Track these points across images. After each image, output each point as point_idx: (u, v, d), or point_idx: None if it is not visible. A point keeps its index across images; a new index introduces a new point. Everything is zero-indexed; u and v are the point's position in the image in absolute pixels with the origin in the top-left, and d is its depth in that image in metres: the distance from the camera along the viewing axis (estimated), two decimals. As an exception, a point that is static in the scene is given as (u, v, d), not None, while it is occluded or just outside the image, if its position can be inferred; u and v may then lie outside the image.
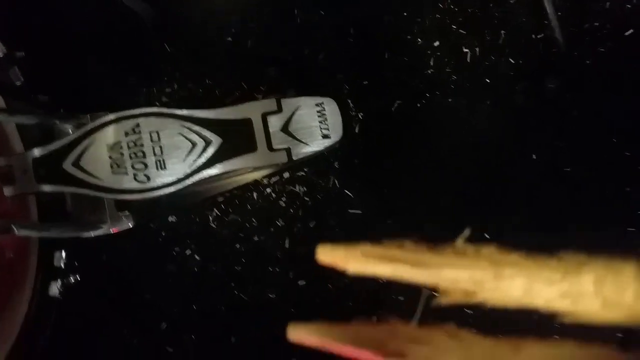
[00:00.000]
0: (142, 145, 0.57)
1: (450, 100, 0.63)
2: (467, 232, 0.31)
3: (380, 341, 0.29)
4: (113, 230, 0.60)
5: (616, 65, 0.61)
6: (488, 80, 0.63)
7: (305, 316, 0.63)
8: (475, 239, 0.28)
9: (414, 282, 0.28)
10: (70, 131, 0.59)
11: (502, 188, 0.62)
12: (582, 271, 0.27)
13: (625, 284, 0.26)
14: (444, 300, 0.29)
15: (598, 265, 0.27)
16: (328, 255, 0.31)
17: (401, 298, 0.61)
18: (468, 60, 0.63)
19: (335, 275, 0.64)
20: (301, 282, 0.63)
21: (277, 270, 0.63)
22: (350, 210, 0.64)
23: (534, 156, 0.61)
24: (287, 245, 0.63)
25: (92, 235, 0.59)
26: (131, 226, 0.61)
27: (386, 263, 0.29)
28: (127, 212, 0.60)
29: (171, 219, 0.65)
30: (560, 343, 0.26)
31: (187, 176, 0.57)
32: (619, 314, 0.27)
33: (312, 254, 0.65)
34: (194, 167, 0.57)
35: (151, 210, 0.64)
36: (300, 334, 0.29)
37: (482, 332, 0.27)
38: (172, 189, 0.57)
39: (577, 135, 0.62)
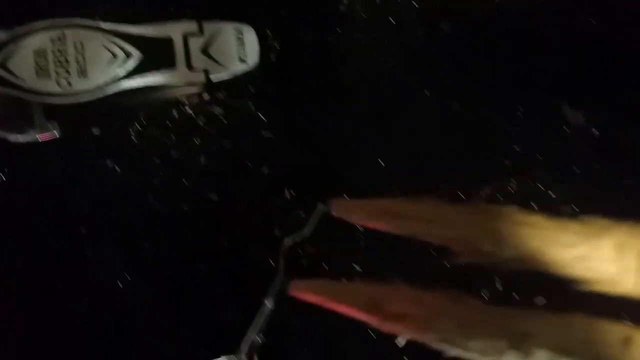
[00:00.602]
0: (66, 53, 0.61)
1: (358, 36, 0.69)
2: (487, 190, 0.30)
3: (379, 302, 0.30)
4: (40, 137, 0.64)
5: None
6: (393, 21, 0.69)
7: (216, 228, 0.69)
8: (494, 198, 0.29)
9: (434, 240, 0.29)
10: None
11: (394, 119, 0.69)
12: (603, 236, 0.26)
13: None
14: (458, 260, 0.29)
15: (620, 231, 0.26)
16: (342, 208, 0.31)
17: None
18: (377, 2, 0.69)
19: (244, 189, 0.70)
20: (214, 197, 0.68)
21: (192, 184, 0.68)
22: (262, 133, 0.69)
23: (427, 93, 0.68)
24: (202, 162, 0.68)
25: (20, 140, 0.63)
26: (57, 136, 0.65)
27: (401, 220, 0.30)
28: (54, 122, 0.64)
29: (95, 132, 0.69)
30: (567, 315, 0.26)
31: (107, 85, 0.61)
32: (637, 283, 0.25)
33: (226, 170, 0.71)
34: (114, 77, 0.61)
35: (77, 122, 0.68)
36: (300, 290, 0.30)
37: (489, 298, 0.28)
38: (92, 97, 0.61)
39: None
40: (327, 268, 0.71)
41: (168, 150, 0.69)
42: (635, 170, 0.64)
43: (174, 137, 0.69)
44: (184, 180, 0.69)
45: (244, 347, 0.63)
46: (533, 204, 0.66)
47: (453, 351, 0.29)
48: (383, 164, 0.67)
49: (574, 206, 0.66)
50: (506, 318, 0.28)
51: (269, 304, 0.64)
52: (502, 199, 0.67)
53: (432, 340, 0.28)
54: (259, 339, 0.69)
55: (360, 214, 0.30)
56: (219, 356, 0.63)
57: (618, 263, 0.26)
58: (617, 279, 0.26)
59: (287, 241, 0.64)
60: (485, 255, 0.28)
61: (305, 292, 0.29)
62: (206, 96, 0.69)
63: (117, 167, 0.69)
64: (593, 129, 0.67)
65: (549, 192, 0.67)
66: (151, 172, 0.69)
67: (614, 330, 0.27)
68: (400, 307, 0.29)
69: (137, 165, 0.69)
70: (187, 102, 0.69)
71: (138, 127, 0.69)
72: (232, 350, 0.64)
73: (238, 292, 0.68)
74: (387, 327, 0.28)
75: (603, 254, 0.26)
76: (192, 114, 0.70)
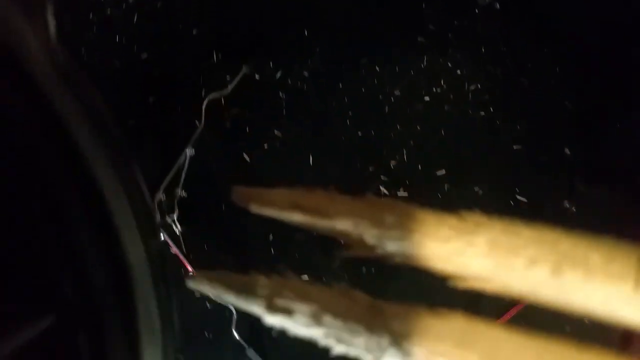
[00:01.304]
0: None
1: None
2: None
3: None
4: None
5: None
6: None
7: (144, 86, 0.72)
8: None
9: (320, 230, 0.31)
10: None
11: None
12: (478, 232, 0.25)
13: (519, 248, 0.25)
14: (346, 254, 0.28)
15: (495, 227, 0.26)
16: (242, 195, 0.32)
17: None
18: None
19: (174, 50, 0.73)
20: (144, 55, 0.72)
21: (125, 42, 0.71)
22: (195, -4, 0.72)
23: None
24: (135, 21, 0.71)
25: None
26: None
27: (295, 210, 0.29)
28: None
29: None
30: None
31: None
32: (510, 281, 0.25)
33: (158, 31, 0.74)
34: None
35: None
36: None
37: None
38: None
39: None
40: (247, 130, 0.76)
41: (104, 9, 0.72)
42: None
43: (111, -5, 0.72)
44: (117, 37, 0.72)
45: (159, 194, 0.68)
46: (442, 81, 0.71)
47: (339, 347, 0.28)
48: (306, 33, 0.70)
49: (478, 85, 0.71)
50: (389, 315, 0.28)
51: (189, 151, 0.69)
52: (412, 73, 0.72)
53: (319, 336, 0.29)
54: (182, 193, 0.75)
55: (256, 202, 0.30)
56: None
57: (490, 260, 0.25)
58: (489, 276, 0.26)
59: (211, 95, 0.68)
60: (371, 249, 0.28)
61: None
62: (141, -44, 0.71)
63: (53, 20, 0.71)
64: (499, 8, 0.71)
65: (457, 70, 0.72)
66: (85, 28, 0.72)
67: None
68: (286, 301, 0.29)
69: (73, 20, 0.71)
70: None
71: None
72: (151, 197, 0.68)
73: (162, 146, 0.72)
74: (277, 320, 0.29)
75: (477, 250, 0.25)
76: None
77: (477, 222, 0.26)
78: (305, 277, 0.76)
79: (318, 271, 0.76)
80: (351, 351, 0.28)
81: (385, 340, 0.27)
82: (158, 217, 0.64)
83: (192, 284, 0.31)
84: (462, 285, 0.26)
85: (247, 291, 0.30)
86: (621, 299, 0.23)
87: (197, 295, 0.78)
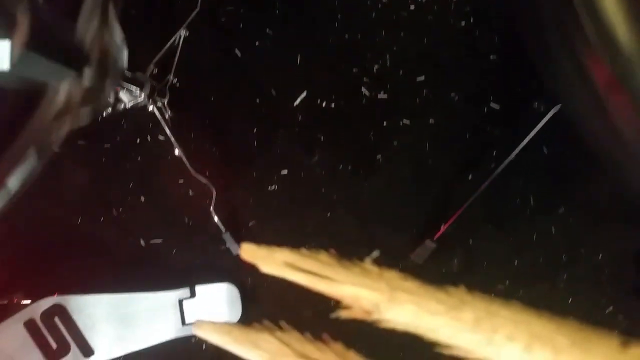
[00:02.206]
0: None
1: None
2: (375, 253, 0.36)
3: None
4: None
5: None
6: None
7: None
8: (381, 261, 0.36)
9: (321, 292, 0.32)
10: None
11: None
12: (463, 309, 0.29)
13: (498, 326, 0.29)
14: (344, 315, 0.32)
15: (478, 305, 0.29)
16: (250, 253, 0.34)
17: None
18: None
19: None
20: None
21: None
22: None
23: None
24: None
25: None
26: None
27: (299, 272, 0.32)
28: None
29: None
30: None
31: None
32: (489, 354, 0.29)
33: None
34: None
35: None
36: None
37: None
38: None
39: None
40: (241, 26, 0.79)
41: None
42: None
43: None
44: None
45: (151, 65, 0.71)
46: None
47: None
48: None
49: None
50: None
51: (183, 32, 0.72)
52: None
53: None
54: (173, 79, 0.78)
55: (264, 262, 0.36)
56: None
57: (474, 334, 0.30)
58: (472, 348, 0.30)
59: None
60: (368, 313, 0.32)
61: None
62: None
63: None
64: None
65: None
66: None
67: None
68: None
69: None
70: None
71: None
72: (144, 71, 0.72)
73: (158, 29, 0.76)
74: None
75: (462, 326, 0.30)
76: None
77: (461, 299, 0.30)
78: (284, 173, 0.79)
79: (299, 166, 0.81)
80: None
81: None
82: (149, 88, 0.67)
83: (198, 332, 0.34)
84: (447, 352, 0.30)
85: (251, 346, 0.33)
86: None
87: (180, 181, 0.81)
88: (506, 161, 0.71)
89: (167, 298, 0.79)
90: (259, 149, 0.81)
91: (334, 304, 0.32)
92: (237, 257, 0.83)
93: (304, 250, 0.33)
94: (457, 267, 0.79)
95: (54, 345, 0.76)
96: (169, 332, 0.79)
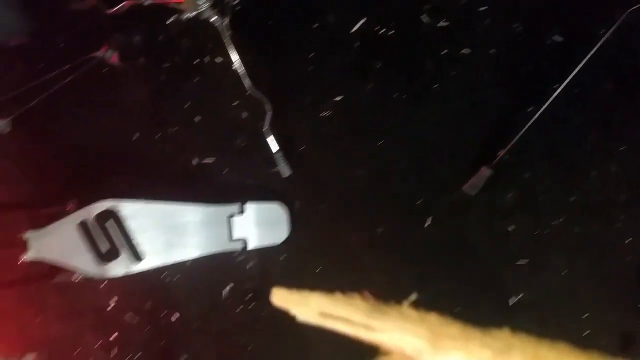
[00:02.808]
0: None
1: None
2: (413, 296, 0.33)
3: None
4: None
5: None
6: None
7: None
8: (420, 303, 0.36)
9: (359, 338, 0.32)
10: None
11: None
12: (511, 353, 0.29)
13: None
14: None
15: (526, 349, 0.29)
16: (282, 298, 0.35)
17: None
18: None
19: None
20: None
21: None
22: None
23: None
24: None
25: None
26: None
27: (334, 319, 0.32)
28: None
29: None
30: None
31: None
32: None
33: None
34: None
35: None
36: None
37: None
38: None
39: None
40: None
41: None
42: None
43: None
44: None
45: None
46: None
47: None
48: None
49: None
50: None
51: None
52: None
53: None
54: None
55: (298, 308, 0.34)
56: None
57: None
58: None
59: None
60: (409, 358, 0.31)
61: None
62: None
63: None
64: None
65: None
66: None
67: None
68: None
69: None
70: None
71: None
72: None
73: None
74: None
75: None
76: None
77: (508, 343, 0.30)
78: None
79: (354, 93, 0.81)
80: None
81: None
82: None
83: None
84: None
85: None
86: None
87: (235, 103, 0.82)
88: (566, 80, 0.69)
89: (217, 212, 0.80)
90: (314, 75, 0.81)
91: (371, 348, 0.32)
92: (287, 180, 0.84)
93: (338, 295, 0.32)
94: (512, 201, 0.78)
95: (104, 248, 0.78)
96: (216, 245, 0.80)
